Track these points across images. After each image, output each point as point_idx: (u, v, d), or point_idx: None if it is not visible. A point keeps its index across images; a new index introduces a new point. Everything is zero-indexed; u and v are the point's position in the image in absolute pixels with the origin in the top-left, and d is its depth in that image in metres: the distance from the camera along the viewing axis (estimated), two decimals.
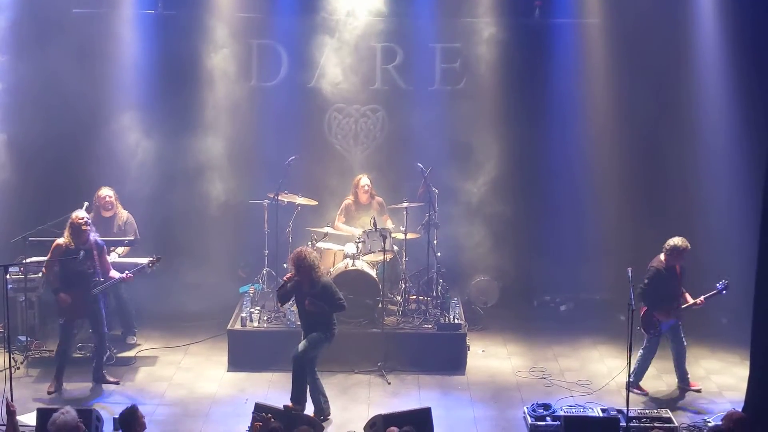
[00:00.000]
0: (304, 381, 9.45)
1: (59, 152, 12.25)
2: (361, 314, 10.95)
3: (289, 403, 9.32)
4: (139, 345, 11.31)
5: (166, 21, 12.40)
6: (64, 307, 10.06)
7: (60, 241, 10.10)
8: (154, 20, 12.39)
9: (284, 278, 9.84)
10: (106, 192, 11.35)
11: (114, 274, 10.17)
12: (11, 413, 7.58)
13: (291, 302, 10.05)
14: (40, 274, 10.90)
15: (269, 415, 8.25)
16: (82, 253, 9.98)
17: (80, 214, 10.15)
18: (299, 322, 10.58)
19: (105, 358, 10.43)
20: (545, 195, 12.78)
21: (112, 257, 10.87)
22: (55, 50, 11.79)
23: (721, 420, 8.30)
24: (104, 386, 10.24)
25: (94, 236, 10.11)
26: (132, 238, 11.29)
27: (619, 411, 9.34)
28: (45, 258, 10.98)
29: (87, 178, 12.05)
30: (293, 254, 9.67)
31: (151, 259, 10.25)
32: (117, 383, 10.15)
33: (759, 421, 8.40)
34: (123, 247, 11.20)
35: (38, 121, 12.05)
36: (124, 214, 11.46)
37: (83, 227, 9.96)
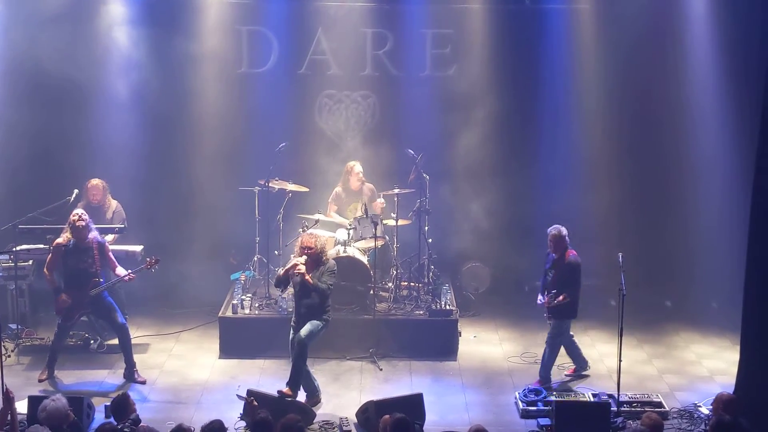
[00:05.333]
0: (302, 367, 9.42)
1: (48, 140, 12.16)
2: (352, 301, 10.94)
3: (283, 389, 9.28)
4: None
5: (154, 7, 12.30)
6: (63, 307, 9.95)
7: (60, 240, 10.04)
8: (143, 6, 12.29)
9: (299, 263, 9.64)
10: (95, 182, 11.34)
11: (120, 271, 10.01)
12: (10, 400, 7.56)
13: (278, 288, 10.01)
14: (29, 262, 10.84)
15: (251, 398, 8.25)
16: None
17: (77, 211, 10.01)
18: (291, 310, 10.59)
19: (131, 353, 10.11)
20: (536, 181, 12.74)
21: None
22: (41, 37, 11.70)
23: (712, 403, 8.37)
24: (97, 373, 10.24)
25: (94, 234, 10.00)
26: (121, 226, 11.27)
27: (610, 396, 9.39)
28: (34, 246, 11.01)
29: (76, 165, 11.99)
30: (301, 239, 9.60)
31: (149, 260, 10.10)
32: (144, 383, 9.98)
33: (749, 404, 8.42)
34: (112, 235, 11.17)
35: (27, 109, 11.96)
36: (113, 203, 11.45)
37: (77, 223, 9.79)
